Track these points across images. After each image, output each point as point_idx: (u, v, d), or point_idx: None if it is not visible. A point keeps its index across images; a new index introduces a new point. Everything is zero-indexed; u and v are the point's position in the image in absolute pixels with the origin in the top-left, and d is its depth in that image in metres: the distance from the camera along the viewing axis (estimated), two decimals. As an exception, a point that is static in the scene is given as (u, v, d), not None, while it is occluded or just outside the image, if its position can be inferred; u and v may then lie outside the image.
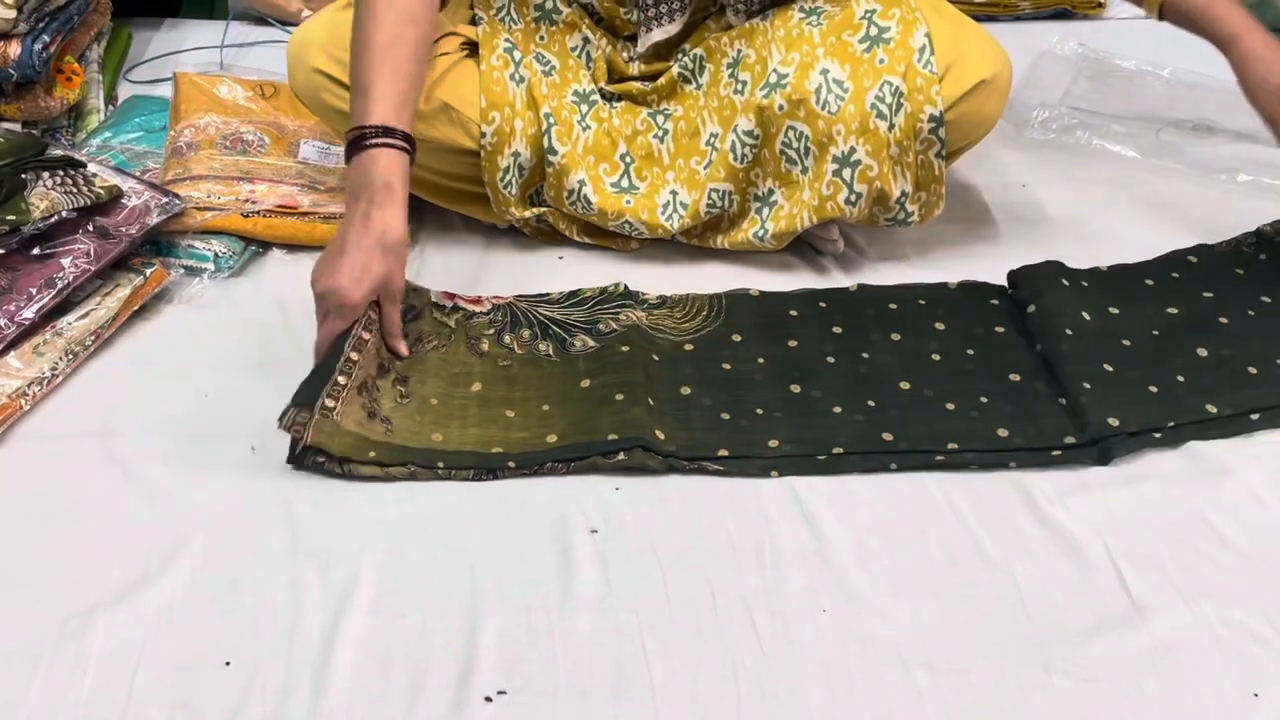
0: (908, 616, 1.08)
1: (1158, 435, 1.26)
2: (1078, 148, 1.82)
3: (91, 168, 1.47)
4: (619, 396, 1.28)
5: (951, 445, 1.25)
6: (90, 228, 1.41)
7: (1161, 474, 1.24)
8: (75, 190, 1.41)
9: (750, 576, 1.11)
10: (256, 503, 1.18)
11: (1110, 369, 1.33)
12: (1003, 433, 1.26)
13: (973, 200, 1.68)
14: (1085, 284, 1.46)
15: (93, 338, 1.35)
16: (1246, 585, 1.11)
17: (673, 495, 1.20)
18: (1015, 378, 1.34)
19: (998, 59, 1.44)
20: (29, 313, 1.32)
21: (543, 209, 1.54)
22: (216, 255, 1.50)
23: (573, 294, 1.44)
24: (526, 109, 1.47)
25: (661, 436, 1.24)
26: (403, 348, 1.30)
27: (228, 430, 1.26)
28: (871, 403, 1.30)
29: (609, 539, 1.15)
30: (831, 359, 1.37)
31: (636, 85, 1.54)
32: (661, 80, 1.53)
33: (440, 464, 1.21)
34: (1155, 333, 1.40)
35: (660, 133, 1.54)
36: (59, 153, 1.47)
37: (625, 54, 1.54)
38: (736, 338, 1.40)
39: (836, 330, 1.41)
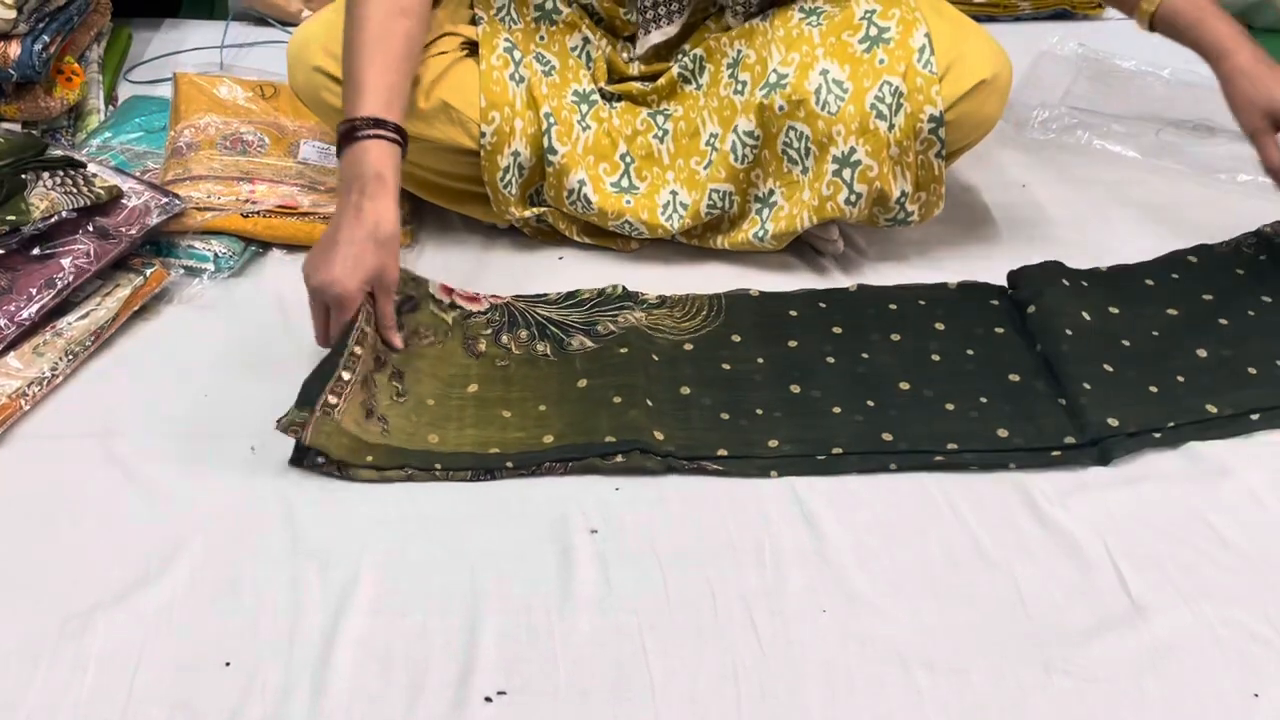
0: (908, 616, 1.08)
1: (1157, 435, 1.26)
2: (1078, 148, 1.82)
3: (91, 168, 1.47)
4: (617, 399, 1.28)
5: (951, 445, 1.25)
6: (90, 228, 1.41)
7: (1161, 474, 1.24)
8: (75, 190, 1.41)
9: (750, 576, 1.11)
10: (256, 503, 1.18)
11: (1110, 369, 1.33)
12: (1002, 433, 1.26)
13: (973, 200, 1.68)
14: (1085, 284, 1.46)
15: (93, 338, 1.35)
16: (1246, 585, 1.11)
17: (673, 495, 1.20)
18: (1015, 378, 1.34)
19: (998, 59, 1.44)
20: (29, 313, 1.32)
21: (543, 209, 1.54)
22: (216, 255, 1.50)
23: (570, 294, 1.44)
24: (526, 109, 1.48)
25: (660, 437, 1.24)
26: (397, 340, 1.30)
27: (228, 430, 1.26)
28: (871, 403, 1.30)
29: (609, 539, 1.15)
30: (831, 359, 1.37)
31: (636, 85, 1.54)
32: (661, 80, 1.53)
33: (437, 465, 1.21)
34: (1155, 333, 1.40)
35: (660, 133, 1.54)
36: (59, 153, 1.47)
37: (625, 54, 1.54)
38: (736, 338, 1.40)
39: (836, 330, 1.41)
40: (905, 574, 1.12)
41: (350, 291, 1.23)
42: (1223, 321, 1.41)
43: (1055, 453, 1.25)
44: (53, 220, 1.37)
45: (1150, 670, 1.03)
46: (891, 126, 1.40)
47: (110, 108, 1.84)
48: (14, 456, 1.24)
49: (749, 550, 1.14)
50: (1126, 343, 1.38)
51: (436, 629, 1.06)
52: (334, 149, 1.62)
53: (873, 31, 1.41)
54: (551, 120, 1.48)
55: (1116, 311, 1.43)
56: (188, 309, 1.45)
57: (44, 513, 1.17)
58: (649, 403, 1.28)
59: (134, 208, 1.45)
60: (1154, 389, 1.32)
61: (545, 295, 1.44)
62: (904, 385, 1.33)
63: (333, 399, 1.19)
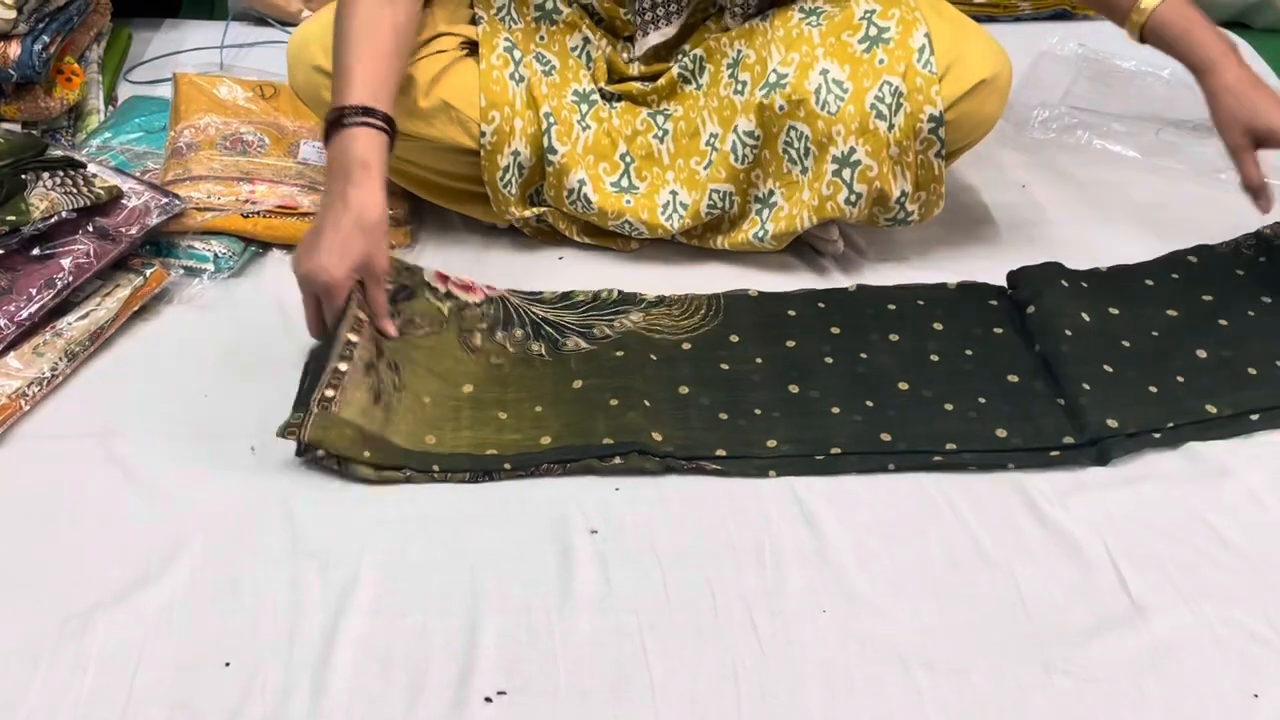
0: (908, 616, 1.08)
1: (1157, 435, 1.26)
2: (1078, 147, 1.82)
3: (91, 168, 1.47)
4: (613, 402, 1.28)
5: (950, 445, 1.25)
6: (90, 228, 1.41)
7: (1161, 474, 1.24)
8: (75, 191, 1.41)
9: (750, 576, 1.11)
10: (256, 503, 1.18)
11: (1110, 370, 1.33)
12: (1001, 433, 1.26)
13: (973, 200, 1.68)
14: (1085, 284, 1.46)
15: (92, 338, 1.35)
16: (1246, 585, 1.11)
17: (673, 495, 1.20)
18: (1014, 378, 1.34)
19: (997, 59, 1.44)
20: (29, 313, 1.32)
21: (542, 209, 1.54)
22: (216, 256, 1.50)
23: (565, 295, 1.44)
24: (526, 108, 1.48)
25: (658, 438, 1.24)
26: (391, 328, 1.29)
27: (228, 430, 1.26)
28: (870, 403, 1.30)
29: (609, 539, 1.15)
30: (830, 359, 1.37)
31: (636, 85, 1.54)
32: (661, 80, 1.53)
33: (435, 467, 1.20)
34: (1155, 334, 1.40)
35: (660, 133, 1.54)
36: (59, 153, 1.47)
37: (625, 54, 1.54)
38: (734, 338, 1.40)
39: (835, 331, 1.41)
40: (905, 574, 1.12)
41: (337, 279, 1.22)
42: (1222, 322, 1.41)
43: (1054, 453, 1.25)
44: (53, 220, 1.37)
45: (1150, 670, 1.03)
46: (891, 126, 1.40)
47: (110, 108, 1.84)
48: (14, 456, 1.24)
49: (749, 550, 1.14)
50: (1126, 343, 1.38)
51: (436, 629, 1.06)
52: (334, 149, 1.63)
53: (872, 31, 1.41)
54: (551, 120, 1.48)
55: (1116, 312, 1.43)
56: (188, 309, 1.45)
57: (44, 513, 1.17)
58: (646, 403, 1.28)
59: (134, 208, 1.45)
60: (1154, 389, 1.32)
61: (540, 293, 1.44)
62: (903, 385, 1.33)
63: (329, 392, 1.18)
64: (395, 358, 1.28)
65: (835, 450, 1.25)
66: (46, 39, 1.65)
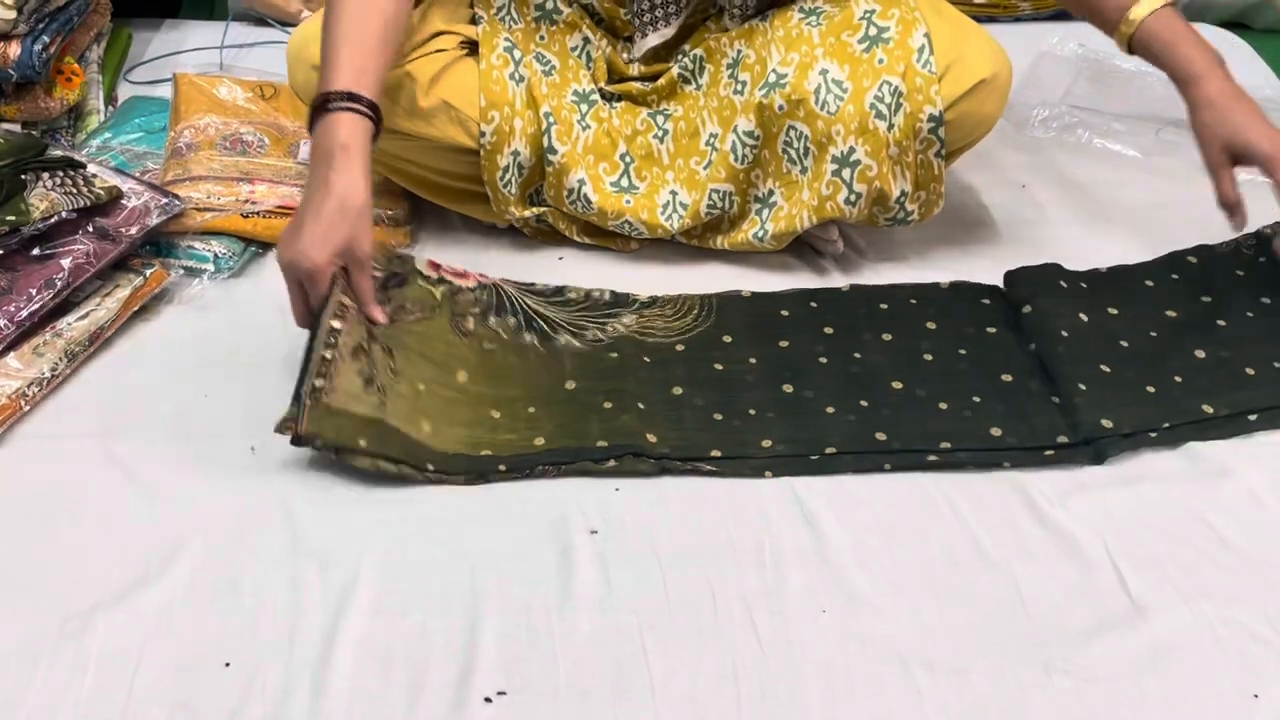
0: (908, 616, 1.08)
1: (1154, 435, 1.26)
2: (1078, 147, 1.82)
3: (91, 168, 1.47)
4: (607, 404, 1.28)
5: (944, 445, 1.25)
6: (90, 228, 1.41)
7: (1161, 474, 1.24)
8: (75, 191, 1.41)
9: (750, 576, 1.11)
10: (256, 503, 1.18)
11: (1107, 370, 1.33)
12: (996, 432, 1.27)
13: (973, 200, 1.68)
14: (1084, 285, 1.46)
15: (92, 338, 1.35)
16: (1246, 585, 1.11)
17: (673, 496, 1.20)
18: (1008, 378, 1.34)
19: (997, 59, 1.44)
20: (28, 313, 1.32)
21: (542, 209, 1.54)
22: (216, 256, 1.50)
23: (559, 289, 1.44)
24: (526, 108, 1.48)
25: (653, 440, 1.24)
26: (379, 315, 1.27)
27: (228, 430, 1.26)
28: (864, 403, 1.30)
29: (609, 539, 1.15)
30: (824, 359, 1.37)
31: (636, 85, 1.54)
32: (661, 80, 1.53)
33: (430, 466, 1.20)
34: (1153, 334, 1.40)
35: (660, 133, 1.54)
36: (59, 153, 1.47)
37: (625, 55, 1.54)
38: (727, 339, 1.40)
39: (828, 330, 1.41)
40: (905, 574, 1.12)
41: (319, 264, 1.19)
42: (1221, 323, 1.41)
43: (1049, 452, 1.25)
44: (52, 220, 1.37)
45: (1150, 670, 1.03)
46: (891, 126, 1.40)
47: (110, 108, 1.84)
48: (14, 456, 1.24)
49: (749, 550, 1.14)
50: (1125, 343, 1.38)
51: (436, 629, 1.06)
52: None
53: (872, 31, 1.41)
54: (551, 120, 1.48)
55: (1115, 312, 1.43)
56: (187, 309, 1.45)
57: (44, 513, 1.17)
58: (640, 405, 1.28)
59: (134, 208, 1.45)
60: (1151, 389, 1.32)
61: (533, 284, 1.44)
62: (897, 385, 1.33)
63: (319, 382, 1.16)
64: (388, 344, 1.27)
65: (830, 450, 1.25)
66: (46, 39, 1.65)
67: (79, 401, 1.31)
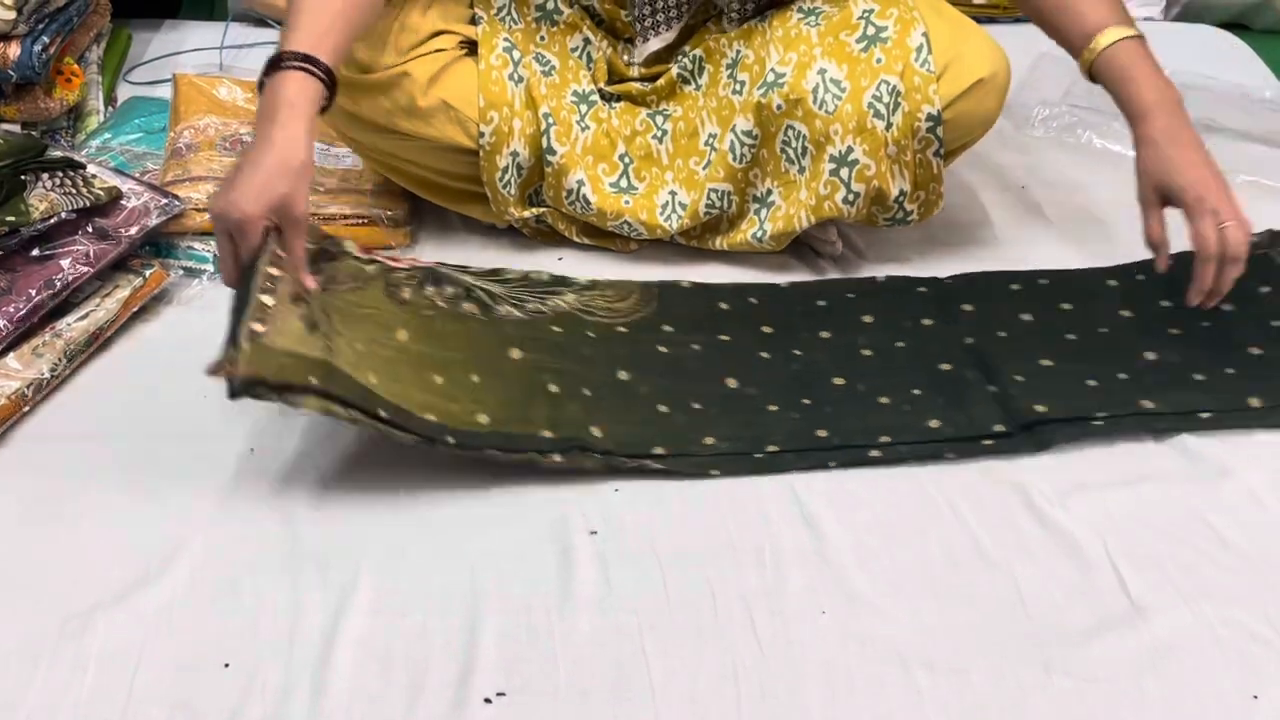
0: (908, 616, 1.08)
1: (1098, 423, 1.27)
2: (1078, 147, 1.82)
3: (91, 169, 1.47)
4: (553, 387, 1.27)
5: (884, 439, 1.25)
6: (90, 229, 1.41)
7: (1161, 474, 1.24)
8: (75, 191, 1.41)
9: (750, 577, 1.11)
10: (256, 503, 1.18)
11: (1048, 363, 1.34)
12: (934, 424, 1.27)
13: (973, 200, 1.69)
14: (1043, 281, 1.47)
15: (92, 339, 1.35)
16: (1246, 585, 1.11)
17: (672, 496, 1.20)
18: (946, 366, 1.35)
19: (996, 58, 1.44)
20: (28, 314, 1.32)
21: (542, 209, 1.54)
22: (216, 256, 1.50)
23: (494, 270, 1.43)
24: (525, 109, 1.48)
25: (598, 434, 1.23)
26: (309, 280, 1.21)
27: (227, 431, 1.25)
28: (807, 400, 1.31)
29: (609, 539, 1.15)
30: (765, 354, 1.37)
31: (636, 86, 1.54)
32: (661, 81, 1.53)
33: (382, 412, 1.14)
34: (1104, 330, 1.40)
35: (659, 133, 1.54)
36: (58, 154, 1.47)
37: (625, 56, 1.54)
38: (668, 327, 1.40)
39: (766, 330, 1.41)
40: (905, 574, 1.12)
41: (250, 216, 1.14)
42: (1174, 331, 1.40)
43: (987, 441, 1.25)
44: (52, 221, 1.37)
45: (1150, 670, 1.03)
46: (889, 125, 1.40)
47: (110, 109, 1.84)
48: (14, 457, 1.24)
49: (749, 550, 1.14)
50: (1072, 336, 1.39)
51: (436, 629, 1.06)
52: (334, 149, 1.63)
53: (870, 31, 1.41)
54: (550, 120, 1.48)
55: (1069, 308, 1.44)
56: (187, 310, 1.45)
57: (44, 513, 1.17)
58: (586, 392, 1.27)
59: (133, 209, 1.45)
60: (1092, 382, 1.32)
61: (468, 266, 1.43)
62: (838, 381, 1.33)
63: (257, 326, 1.09)
64: (321, 308, 1.21)
65: (772, 448, 1.25)
66: (46, 40, 1.65)
67: (79, 402, 1.31)
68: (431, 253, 1.54)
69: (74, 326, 1.35)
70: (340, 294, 1.26)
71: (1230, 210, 1.29)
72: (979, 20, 1.51)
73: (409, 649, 1.04)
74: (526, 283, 1.42)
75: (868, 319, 1.42)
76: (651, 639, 1.05)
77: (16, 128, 1.70)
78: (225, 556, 1.12)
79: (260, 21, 2.15)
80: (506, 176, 1.49)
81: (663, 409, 1.28)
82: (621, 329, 1.38)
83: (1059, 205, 1.68)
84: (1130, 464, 1.25)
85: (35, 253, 1.37)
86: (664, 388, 1.31)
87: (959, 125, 1.43)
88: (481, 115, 1.45)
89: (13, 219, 1.34)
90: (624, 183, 1.53)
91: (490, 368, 1.28)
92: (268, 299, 1.12)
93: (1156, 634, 1.06)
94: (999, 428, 1.26)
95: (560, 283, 1.43)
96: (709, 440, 1.25)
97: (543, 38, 1.52)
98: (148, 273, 1.43)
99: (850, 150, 1.41)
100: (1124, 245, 1.56)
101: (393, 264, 1.36)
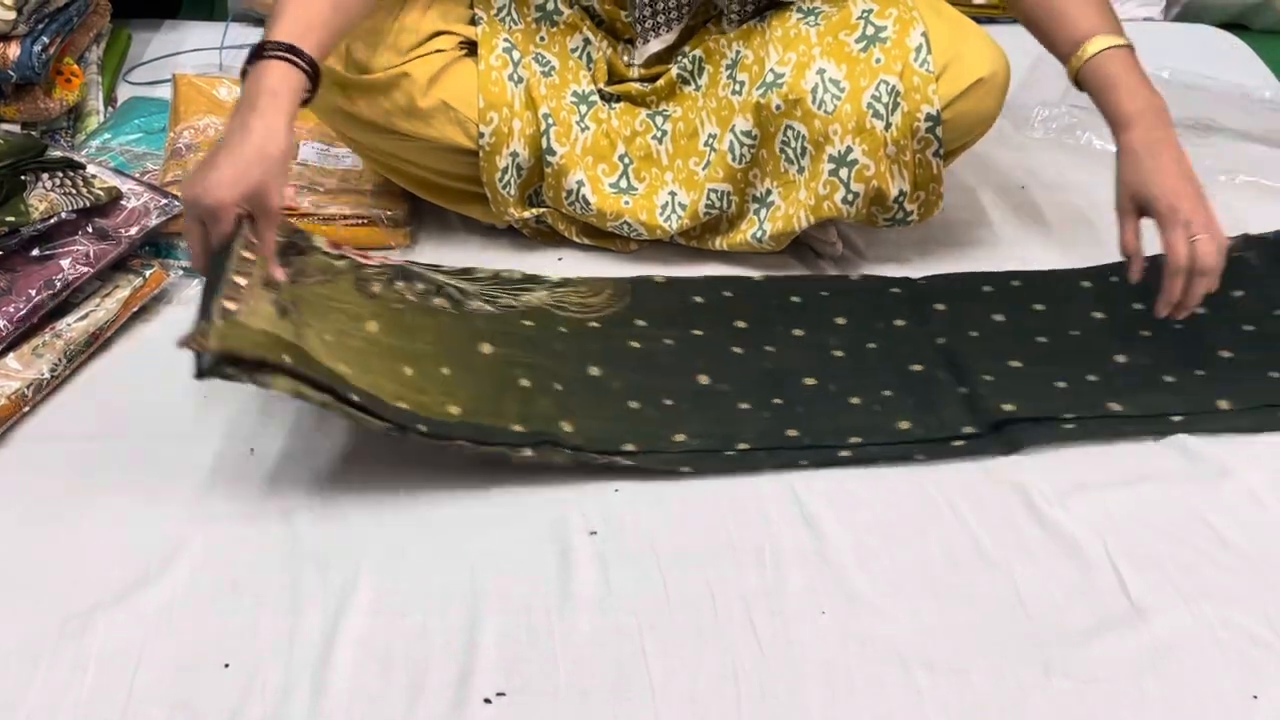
0: (908, 616, 1.08)
1: (1068, 426, 1.27)
2: (1078, 148, 1.82)
3: (91, 169, 1.47)
4: (524, 381, 1.27)
5: (855, 439, 1.26)
6: (90, 229, 1.41)
7: (1161, 474, 1.24)
8: (74, 192, 1.41)
9: (750, 577, 1.11)
10: (256, 503, 1.18)
11: (1018, 364, 1.35)
12: (904, 425, 1.27)
13: (972, 201, 1.69)
14: (1015, 283, 1.47)
15: (92, 339, 1.35)
16: (1246, 586, 1.12)
17: (672, 496, 1.20)
18: (917, 367, 1.35)
19: (995, 58, 1.44)
20: (28, 314, 1.32)
21: (541, 210, 1.54)
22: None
23: (465, 269, 1.43)
24: (525, 109, 1.48)
25: (569, 429, 1.23)
26: (279, 271, 1.20)
27: (227, 431, 1.25)
28: (778, 399, 1.31)
29: (609, 539, 1.15)
30: (738, 349, 1.37)
31: (635, 86, 1.54)
32: (660, 81, 1.53)
33: (354, 397, 1.12)
34: (1075, 333, 1.41)
35: (659, 134, 1.54)
36: (58, 154, 1.47)
37: (625, 57, 1.54)
38: (641, 322, 1.40)
39: (740, 325, 1.41)
40: (905, 574, 1.12)
41: (224, 202, 1.12)
42: (1145, 334, 1.40)
43: (956, 443, 1.26)
44: (52, 221, 1.37)
45: (1150, 671, 1.03)
46: (888, 125, 1.40)
47: (110, 109, 1.84)
48: (14, 457, 1.23)
49: (749, 551, 1.14)
50: (1043, 339, 1.39)
51: (436, 629, 1.06)
52: (334, 149, 1.63)
53: (869, 31, 1.41)
54: (550, 121, 1.48)
55: (1041, 309, 1.44)
56: (187, 310, 1.43)
57: (44, 513, 1.17)
58: (557, 387, 1.27)
59: (133, 209, 1.45)
60: (1061, 384, 1.32)
61: (440, 265, 1.43)
62: (809, 381, 1.33)
63: (230, 304, 1.08)
64: (289, 299, 1.19)
65: (743, 446, 1.25)
66: (46, 40, 1.65)
67: (78, 402, 1.31)
68: (431, 253, 1.55)
69: (74, 326, 1.35)
70: (309, 286, 1.25)
71: (1203, 222, 1.27)
72: (978, 20, 1.51)
73: (409, 649, 1.04)
74: (498, 280, 1.42)
75: (840, 320, 1.43)
76: (651, 639, 1.05)
77: (16, 128, 1.70)
78: (225, 556, 1.12)
79: (260, 22, 2.14)
80: (506, 177, 1.49)
81: (634, 405, 1.28)
82: (594, 324, 1.38)
83: (1058, 206, 1.68)
84: (1130, 464, 1.25)
85: (35, 253, 1.37)
86: (636, 383, 1.31)
87: (958, 125, 1.43)
88: (481, 116, 1.45)
89: (13, 219, 1.34)
90: (624, 183, 1.53)
91: (461, 361, 1.27)
92: (241, 280, 1.11)
93: (1156, 634, 1.06)
94: (968, 429, 1.27)
95: (532, 280, 1.43)
96: (679, 437, 1.25)
97: (542, 38, 1.52)
98: (148, 273, 1.43)
99: (849, 150, 1.41)
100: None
101: (362, 260, 1.36)
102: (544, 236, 1.58)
